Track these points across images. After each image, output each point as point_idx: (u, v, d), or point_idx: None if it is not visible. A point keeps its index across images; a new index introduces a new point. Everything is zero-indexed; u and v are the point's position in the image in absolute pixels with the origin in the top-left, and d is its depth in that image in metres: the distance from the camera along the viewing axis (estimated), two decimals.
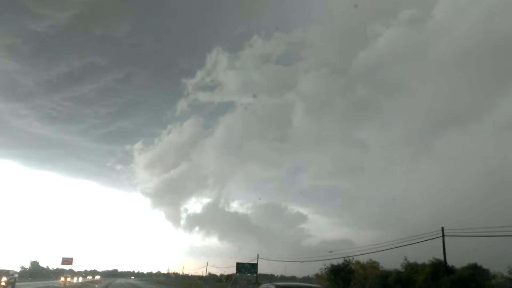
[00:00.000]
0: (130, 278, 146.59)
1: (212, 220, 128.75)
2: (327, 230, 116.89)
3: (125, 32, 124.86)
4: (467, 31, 72.62)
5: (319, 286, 16.21)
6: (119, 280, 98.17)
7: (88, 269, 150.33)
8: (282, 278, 56.32)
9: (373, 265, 33.51)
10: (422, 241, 24.80)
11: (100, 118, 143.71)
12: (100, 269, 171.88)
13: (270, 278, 61.22)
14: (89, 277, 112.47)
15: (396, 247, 26.71)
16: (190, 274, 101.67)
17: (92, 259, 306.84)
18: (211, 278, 74.51)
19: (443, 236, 24.07)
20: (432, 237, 24.37)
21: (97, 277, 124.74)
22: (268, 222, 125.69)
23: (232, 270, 56.61)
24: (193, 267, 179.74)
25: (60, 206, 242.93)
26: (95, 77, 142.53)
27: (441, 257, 24.74)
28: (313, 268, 38.31)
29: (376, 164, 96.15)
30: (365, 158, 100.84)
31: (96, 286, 56.82)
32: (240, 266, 52.08)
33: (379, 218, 77.99)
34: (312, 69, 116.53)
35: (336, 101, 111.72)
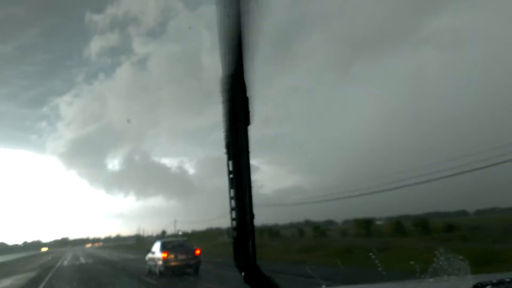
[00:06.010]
0: (85, 246, 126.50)
1: (163, 181, 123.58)
2: (278, 179, 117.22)
3: None
4: None
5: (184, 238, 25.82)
6: (72, 252, 64.97)
7: (28, 241, 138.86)
8: None
9: None
10: None
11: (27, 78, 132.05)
12: (45, 239, 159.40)
13: None
14: None
15: None
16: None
17: (37, 229, 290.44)
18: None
19: None
20: None
21: None
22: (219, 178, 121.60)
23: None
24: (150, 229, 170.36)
25: None
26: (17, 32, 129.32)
27: None
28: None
29: (310, 106, 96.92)
30: (301, 100, 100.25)
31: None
32: None
33: (324, 162, 79.41)
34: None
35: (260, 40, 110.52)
